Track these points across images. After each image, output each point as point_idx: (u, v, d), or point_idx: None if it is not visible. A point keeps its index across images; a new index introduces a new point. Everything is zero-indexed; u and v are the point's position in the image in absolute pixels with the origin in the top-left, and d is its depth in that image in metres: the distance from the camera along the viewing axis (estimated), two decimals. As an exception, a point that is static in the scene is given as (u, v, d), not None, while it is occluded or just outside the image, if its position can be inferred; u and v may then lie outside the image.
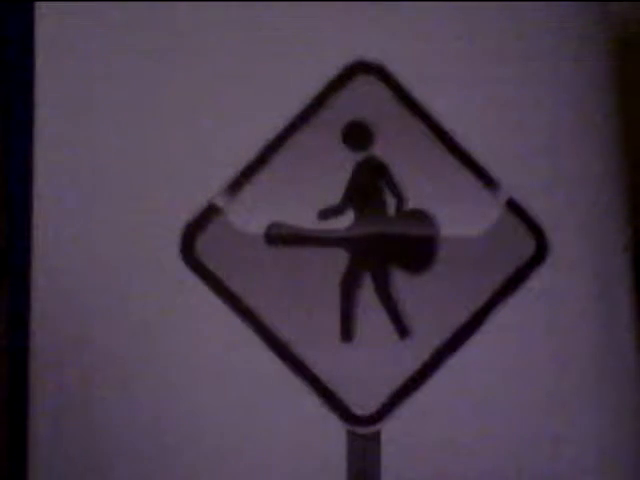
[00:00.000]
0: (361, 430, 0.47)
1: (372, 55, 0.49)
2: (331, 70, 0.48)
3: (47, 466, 0.46)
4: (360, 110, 0.48)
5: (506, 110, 0.49)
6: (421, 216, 0.48)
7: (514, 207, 0.49)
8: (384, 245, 0.48)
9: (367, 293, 0.48)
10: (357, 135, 0.48)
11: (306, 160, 0.48)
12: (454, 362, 0.48)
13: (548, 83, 0.50)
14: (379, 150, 0.48)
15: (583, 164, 0.50)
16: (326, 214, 0.48)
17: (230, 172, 0.48)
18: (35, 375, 0.46)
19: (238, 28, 0.48)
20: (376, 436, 0.47)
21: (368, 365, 0.47)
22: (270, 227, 0.47)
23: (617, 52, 0.52)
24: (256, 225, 0.47)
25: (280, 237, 0.47)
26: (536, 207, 0.49)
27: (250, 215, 0.48)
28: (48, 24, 0.48)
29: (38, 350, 0.46)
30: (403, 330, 0.47)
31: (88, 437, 0.46)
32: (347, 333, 0.47)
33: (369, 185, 0.48)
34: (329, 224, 0.48)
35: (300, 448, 0.46)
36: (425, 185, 0.48)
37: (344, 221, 0.48)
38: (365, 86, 0.49)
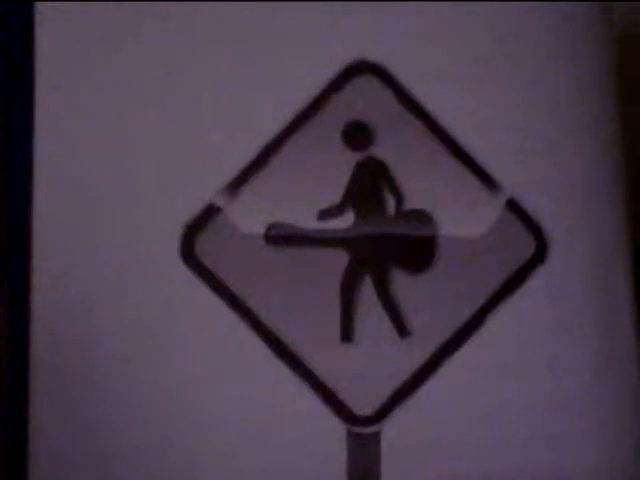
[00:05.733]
0: (361, 430, 0.47)
1: (372, 55, 0.49)
2: (331, 70, 0.48)
3: (48, 466, 0.46)
4: (360, 110, 0.48)
5: (506, 110, 0.49)
6: (421, 216, 0.48)
7: (514, 207, 0.49)
8: (384, 245, 0.48)
9: (367, 293, 0.48)
10: (357, 135, 0.48)
11: (306, 160, 0.48)
12: (454, 362, 0.48)
13: (548, 83, 0.49)
14: (379, 150, 0.48)
15: (583, 164, 0.50)
16: (326, 214, 0.48)
17: (230, 172, 0.48)
18: (35, 375, 0.46)
19: (238, 28, 0.48)
20: (376, 436, 0.47)
21: (368, 365, 0.47)
22: (270, 227, 0.47)
23: (618, 51, 0.51)
24: (256, 225, 0.47)
25: (280, 237, 0.47)
26: (536, 207, 0.49)
27: (250, 215, 0.48)
28: (48, 24, 0.48)
29: (38, 350, 0.46)
30: (403, 330, 0.47)
31: (89, 437, 0.46)
32: (347, 333, 0.47)
33: (369, 185, 0.48)
34: (329, 224, 0.48)
35: (300, 448, 0.46)
36: (425, 185, 0.48)
37: (344, 221, 0.48)
38: (365, 86, 0.49)
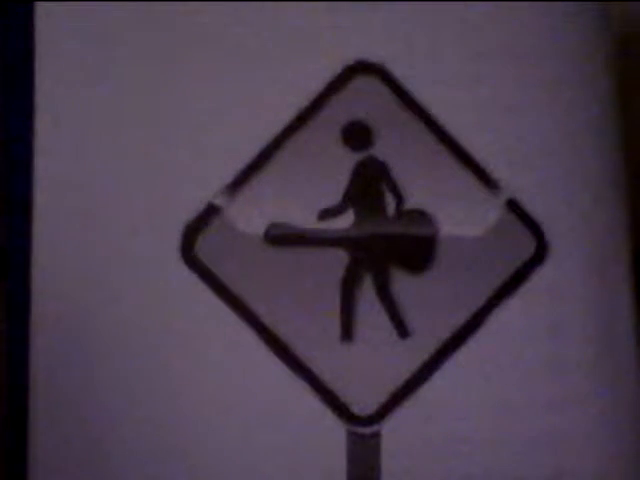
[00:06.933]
0: (361, 430, 0.47)
1: (372, 55, 0.49)
2: (331, 70, 0.48)
3: (47, 467, 0.46)
4: (360, 110, 0.48)
5: (506, 110, 0.49)
6: (421, 216, 0.48)
7: (514, 207, 0.49)
8: (384, 245, 0.48)
9: (367, 293, 0.48)
10: (357, 135, 0.48)
11: (306, 160, 0.48)
12: (454, 362, 0.48)
13: (548, 83, 0.50)
14: (379, 150, 0.48)
15: (583, 164, 0.50)
16: (326, 214, 0.48)
17: (230, 172, 0.48)
18: (35, 375, 0.46)
19: (238, 28, 0.48)
20: (376, 436, 0.47)
21: (368, 365, 0.47)
22: (270, 227, 0.47)
23: (618, 51, 0.51)
24: (256, 225, 0.47)
25: (280, 237, 0.47)
26: (536, 207, 0.49)
27: (250, 215, 0.48)
28: (48, 24, 0.48)
29: (38, 350, 0.46)
30: (403, 330, 0.47)
31: (88, 437, 0.46)
32: (347, 333, 0.47)
33: (369, 185, 0.48)
34: (329, 224, 0.48)
35: (300, 448, 0.46)
36: (425, 185, 0.48)
37: (344, 221, 0.48)
38: (365, 86, 0.49)
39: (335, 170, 0.48)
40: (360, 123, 0.48)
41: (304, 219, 0.48)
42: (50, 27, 0.48)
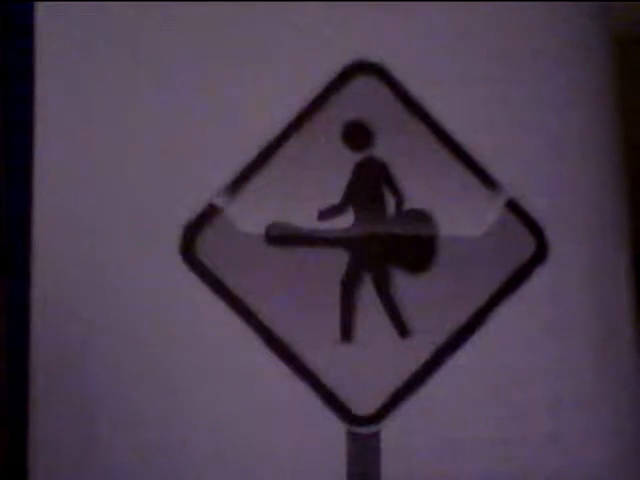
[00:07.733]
0: (361, 430, 0.47)
1: (372, 55, 0.49)
2: (331, 70, 0.48)
3: (47, 467, 0.46)
4: (360, 110, 0.48)
5: (506, 110, 0.49)
6: (421, 216, 0.48)
7: (514, 207, 0.49)
8: (384, 245, 0.48)
9: (367, 293, 0.48)
10: (357, 135, 0.48)
11: (306, 160, 0.48)
12: (454, 362, 0.48)
13: (548, 83, 0.50)
14: (379, 150, 0.48)
15: (583, 164, 0.50)
16: (326, 214, 0.48)
17: (230, 172, 0.48)
18: (35, 375, 0.46)
19: (238, 28, 0.48)
20: (376, 436, 0.47)
21: (368, 365, 0.47)
22: (270, 227, 0.47)
23: (618, 52, 0.52)
24: (256, 225, 0.47)
25: (280, 237, 0.47)
26: (536, 207, 0.49)
27: (250, 215, 0.48)
28: (48, 24, 0.48)
29: (38, 350, 0.46)
30: (403, 330, 0.47)
31: (89, 436, 0.46)
32: (347, 333, 0.47)
33: (369, 185, 0.48)
34: (329, 224, 0.48)
35: (300, 448, 0.46)
36: (425, 185, 0.48)
37: (344, 221, 0.48)
38: (365, 86, 0.49)
39: (335, 170, 0.48)
40: (360, 123, 0.48)
41: (304, 219, 0.48)
42: (50, 27, 0.48)
